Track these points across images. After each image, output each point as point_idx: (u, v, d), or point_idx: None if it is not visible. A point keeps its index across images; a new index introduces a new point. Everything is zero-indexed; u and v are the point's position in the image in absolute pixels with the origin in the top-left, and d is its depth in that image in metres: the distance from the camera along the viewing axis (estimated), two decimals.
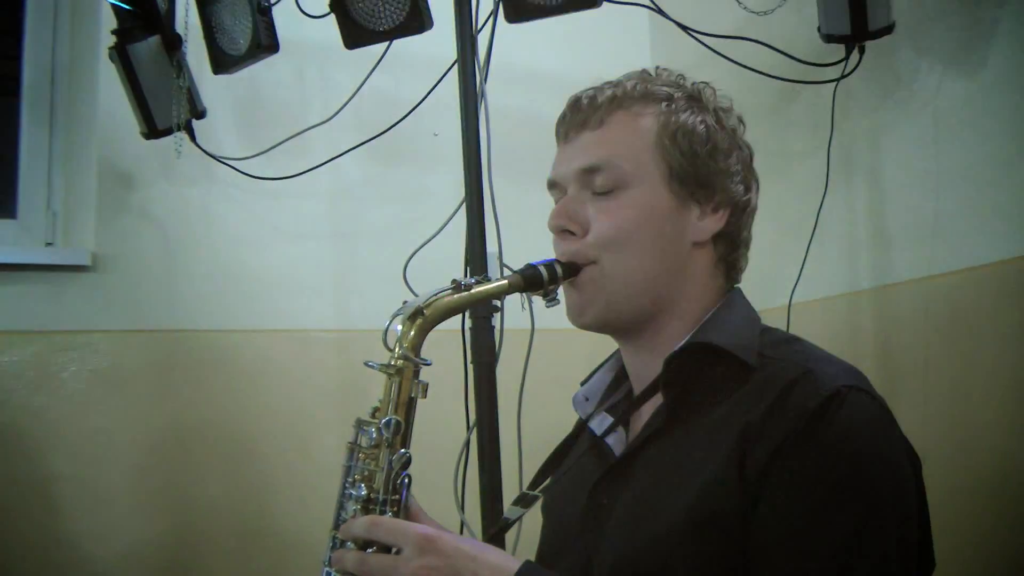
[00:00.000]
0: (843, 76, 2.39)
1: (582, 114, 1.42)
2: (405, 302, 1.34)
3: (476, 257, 2.31)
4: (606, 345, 1.51)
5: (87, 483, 2.57)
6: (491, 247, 2.35)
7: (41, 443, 2.54)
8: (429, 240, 2.51)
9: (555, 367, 2.66)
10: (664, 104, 1.40)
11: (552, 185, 1.47)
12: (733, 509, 1.19)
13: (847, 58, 2.36)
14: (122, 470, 2.63)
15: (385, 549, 1.22)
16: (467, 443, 2.36)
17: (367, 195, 2.88)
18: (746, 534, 1.18)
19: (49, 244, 2.76)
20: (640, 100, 1.40)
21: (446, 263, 2.41)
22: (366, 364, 1.33)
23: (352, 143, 2.71)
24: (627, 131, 1.39)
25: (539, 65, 2.98)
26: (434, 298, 1.34)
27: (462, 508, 2.38)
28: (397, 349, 1.34)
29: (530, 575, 1.20)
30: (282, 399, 2.76)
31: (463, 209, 2.32)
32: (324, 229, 2.86)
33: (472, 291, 1.36)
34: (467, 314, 2.27)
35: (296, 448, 2.75)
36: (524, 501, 1.48)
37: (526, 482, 2.38)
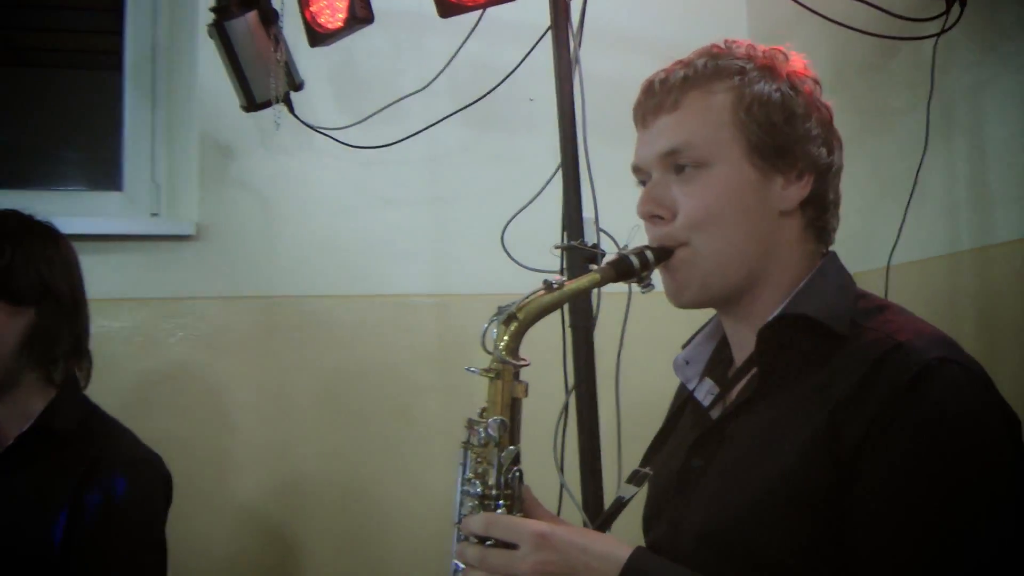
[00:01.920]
0: (943, 31, 2.33)
1: (656, 98, 1.42)
2: (499, 308, 1.36)
3: (572, 222, 2.33)
4: (704, 309, 1.51)
5: (193, 443, 2.67)
6: (587, 212, 2.36)
7: (149, 405, 2.64)
8: (525, 206, 2.52)
9: (652, 330, 2.67)
10: (736, 78, 1.39)
11: (636, 170, 1.48)
12: (822, 483, 1.20)
13: (947, 12, 2.31)
14: (226, 431, 2.73)
15: (503, 544, 1.25)
16: (566, 406, 2.39)
17: (463, 161, 2.90)
18: (836, 508, 1.20)
19: (154, 215, 2.85)
20: (712, 77, 1.40)
21: (543, 228, 2.44)
22: (467, 369, 1.37)
23: (447, 110, 2.73)
24: (702, 110, 1.38)
25: (633, 27, 2.97)
26: (527, 300, 1.36)
27: (561, 470, 2.41)
28: (495, 353, 1.35)
29: (640, 562, 1.22)
30: (381, 363, 2.81)
31: (559, 174, 2.33)
32: (421, 195, 2.89)
33: (564, 289, 1.38)
34: (564, 276, 2.29)
35: (395, 411, 2.81)
36: (637, 479, 1.50)
37: (624, 446, 2.44)
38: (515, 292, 2.74)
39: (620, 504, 1.51)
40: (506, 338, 1.35)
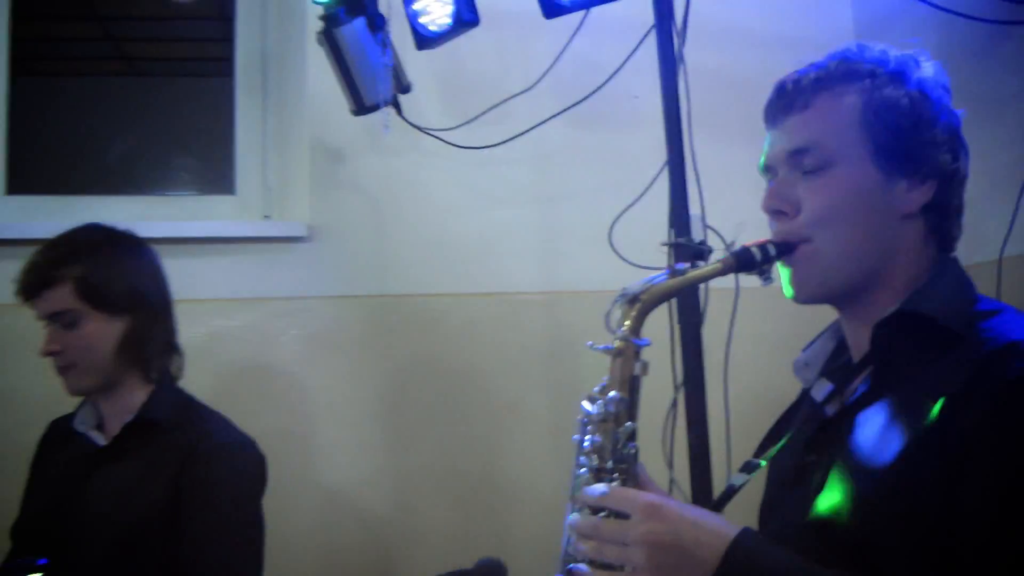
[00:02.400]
0: None
1: (787, 98, 1.45)
2: (624, 289, 1.39)
3: (679, 219, 2.34)
4: (811, 306, 1.52)
5: (306, 438, 2.74)
6: (693, 209, 2.36)
7: (263, 401, 2.72)
8: (632, 204, 2.54)
9: (759, 327, 2.67)
10: (867, 81, 1.41)
11: (765, 169, 1.50)
12: (932, 478, 1.20)
13: None
14: (338, 426, 2.80)
15: (615, 516, 1.27)
16: (674, 402, 2.40)
17: (569, 159, 2.91)
18: (945, 503, 1.19)
19: (266, 217, 2.93)
20: (843, 79, 1.42)
21: (650, 225, 2.45)
22: (588, 346, 1.40)
23: (552, 109, 2.75)
24: (831, 111, 1.41)
25: (736, 21, 2.95)
26: (650, 284, 1.39)
27: (671, 465, 2.42)
28: (618, 331, 1.38)
29: (747, 540, 1.23)
30: (490, 360, 2.84)
31: (665, 171, 2.34)
32: (528, 194, 2.91)
33: (686, 275, 1.42)
34: None
35: (506, 407, 2.84)
36: (749, 468, 1.52)
37: (733, 441, 2.44)
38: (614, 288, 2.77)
39: (731, 491, 1.53)
40: (630, 318, 1.38)
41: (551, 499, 2.76)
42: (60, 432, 2.19)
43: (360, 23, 2.55)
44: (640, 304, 1.38)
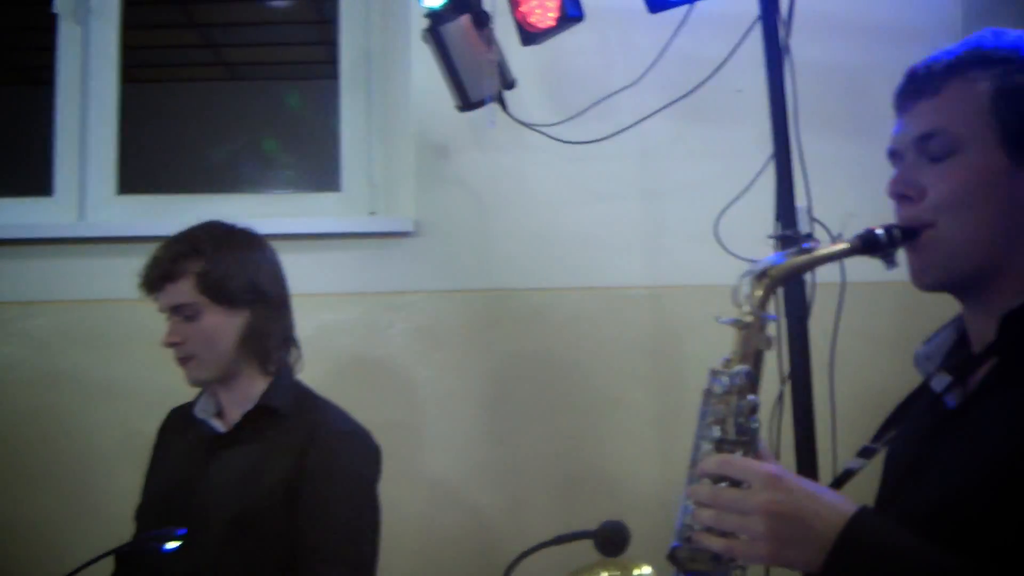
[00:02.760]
0: None
1: (918, 83, 1.43)
2: (754, 262, 1.41)
3: (785, 212, 2.34)
4: (918, 300, 1.50)
5: (411, 430, 2.79)
6: (799, 201, 2.36)
7: (370, 393, 2.77)
8: (737, 198, 2.53)
9: (866, 321, 2.66)
10: (1000, 68, 1.38)
11: (892, 155, 1.49)
12: None
13: None
14: (443, 419, 2.84)
15: (735, 485, 1.28)
16: (780, 396, 2.39)
17: (672, 153, 2.91)
18: None
19: (372, 213, 2.99)
20: (976, 65, 1.39)
21: (755, 218, 2.45)
22: (717, 320, 1.42)
23: (655, 103, 2.74)
24: (961, 96, 1.38)
25: (841, 13, 2.91)
26: (778, 260, 1.40)
27: (777, 459, 2.41)
28: (747, 305, 1.40)
29: (867, 517, 1.23)
30: (594, 354, 2.86)
31: (770, 164, 2.34)
32: (631, 188, 2.91)
33: (813, 253, 1.41)
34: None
35: (608, 402, 2.85)
36: (866, 453, 1.51)
37: (840, 435, 2.42)
38: (727, 283, 2.75)
39: (848, 474, 1.52)
40: (758, 292, 1.39)
41: (653, 492, 2.79)
42: (180, 419, 2.28)
43: (465, 20, 2.58)
44: (768, 279, 1.40)
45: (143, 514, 2.23)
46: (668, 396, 2.84)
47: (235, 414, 2.15)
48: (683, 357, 2.84)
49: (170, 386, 2.79)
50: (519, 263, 2.87)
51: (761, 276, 1.40)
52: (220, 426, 2.16)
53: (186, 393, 2.80)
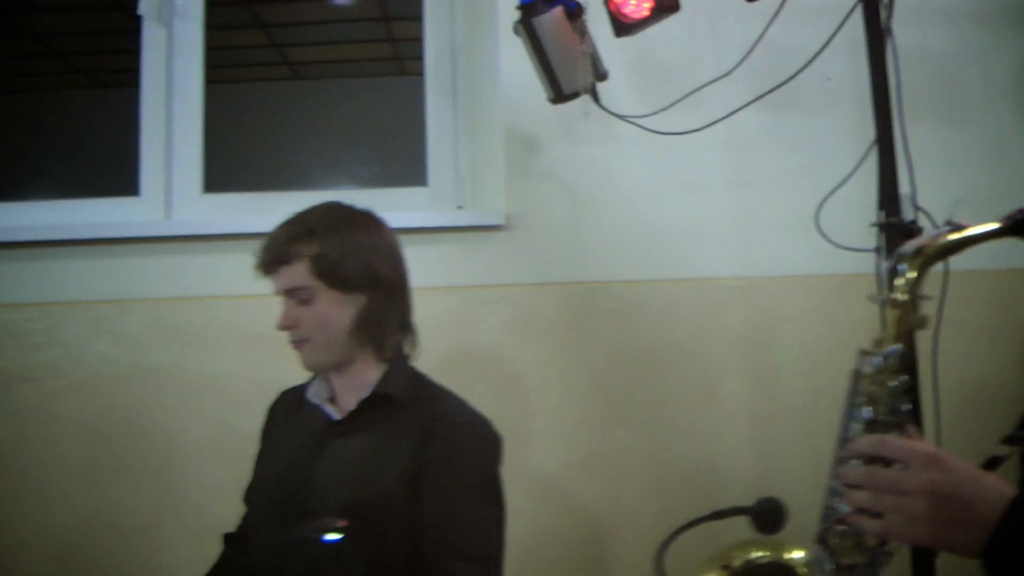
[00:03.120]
0: None
1: None
2: (906, 242, 1.40)
3: (889, 200, 2.31)
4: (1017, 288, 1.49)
5: (506, 423, 2.75)
6: (903, 188, 2.34)
7: (463, 387, 2.74)
8: (840, 185, 2.52)
9: (969, 312, 2.63)
10: None
11: None
12: None
13: None
14: (537, 412, 2.84)
15: (888, 466, 1.27)
16: None
17: (762, 144, 2.89)
18: None
19: (459, 208, 3.00)
20: None
21: (852, 207, 2.46)
22: (869, 298, 1.41)
23: (744, 93, 2.72)
24: None
25: None
26: (932, 239, 1.40)
27: None
28: (902, 284, 1.39)
29: None
30: (688, 346, 2.84)
31: (870, 151, 2.32)
32: (723, 180, 2.90)
33: (965, 232, 1.40)
34: (881, 255, 2.29)
35: (702, 393, 2.84)
36: (1013, 440, 1.49)
37: (943, 425, 2.40)
38: (821, 273, 2.76)
39: (996, 461, 1.50)
40: (913, 272, 1.39)
41: (750, 482, 2.77)
42: (292, 402, 2.24)
43: (558, 11, 2.57)
44: (923, 257, 1.39)
45: (255, 497, 2.21)
46: (763, 387, 2.83)
47: (349, 400, 2.10)
48: (777, 348, 2.83)
49: (261, 381, 2.83)
50: (610, 256, 2.86)
51: (916, 254, 1.40)
52: (334, 412, 2.11)
53: (276, 388, 2.84)
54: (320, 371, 2.15)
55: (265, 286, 2.82)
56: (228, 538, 2.18)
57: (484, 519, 2.02)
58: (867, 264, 2.44)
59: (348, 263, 2.04)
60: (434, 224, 2.90)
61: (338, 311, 2.05)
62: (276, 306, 2.80)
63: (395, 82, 5.94)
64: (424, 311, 2.81)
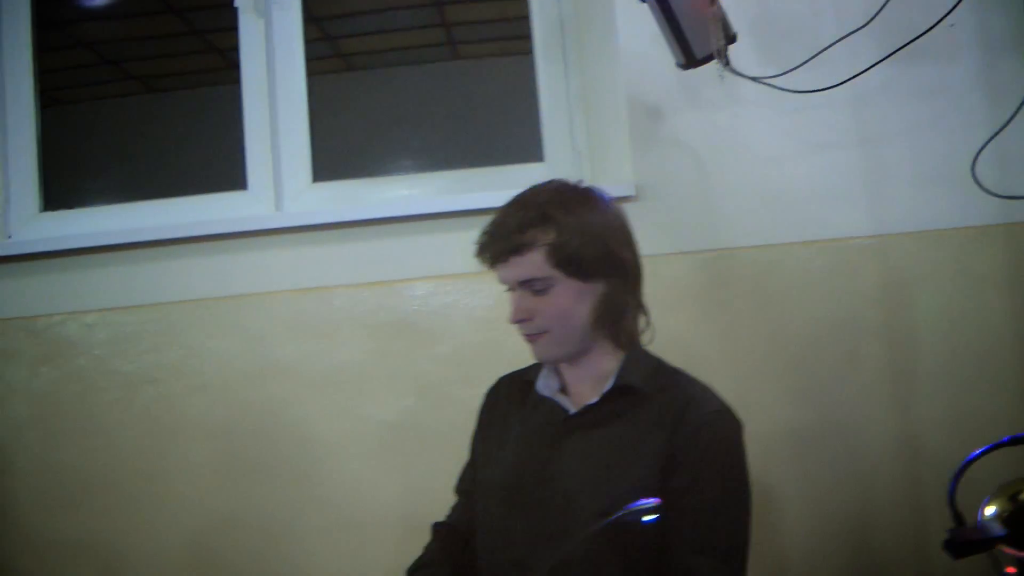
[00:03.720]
0: None
1: None
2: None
3: None
4: None
5: None
6: None
7: None
8: (997, 133, 2.46)
9: None
10: None
11: None
12: None
13: None
14: None
15: None
16: None
17: (886, 96, 2.81)
18: None
19: (579, 181, 2.91)
20: None
21: (1002, 155, 2.41)
22: None
23: (869, 47, 2.64)
24: None
25: None
26: None
27: None
28: None
29: None
30: (824, 309, 2.78)
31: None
32: (850, 136, 2.82)
33: None
34: None
35: (843, 355, 2.78)
36: None
37: None
38: (961, 225, 2.68)
39: None
40: None
41: (891, 446, 2.72)
42: (516, 391, 2.11)
43: None
44: None
45: (484, 490, 2.05)
46: (902, 347, 2.77)
47: (584, 392, 1.98)
48: (915, 306, 2.76)
49: (388, 369, 2.81)
50: (741, 221, 2.80)
51: None
52: (569, 405, 1.98)
53: (403, 376, 2.81)
54: (555, 363, 2.03)
55: (378, 272, 2.86)
56: (440, 529, 2.11)
57: (732, 512, 1.88)
58: (1005, 213, 2.38)
59: (588, 249, 1.89)
60: None
61: (577, 301, 1.91)
62: (391, 294, 2.85)
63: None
64: None
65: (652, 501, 1.69)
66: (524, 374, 2.11)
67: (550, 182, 2.02)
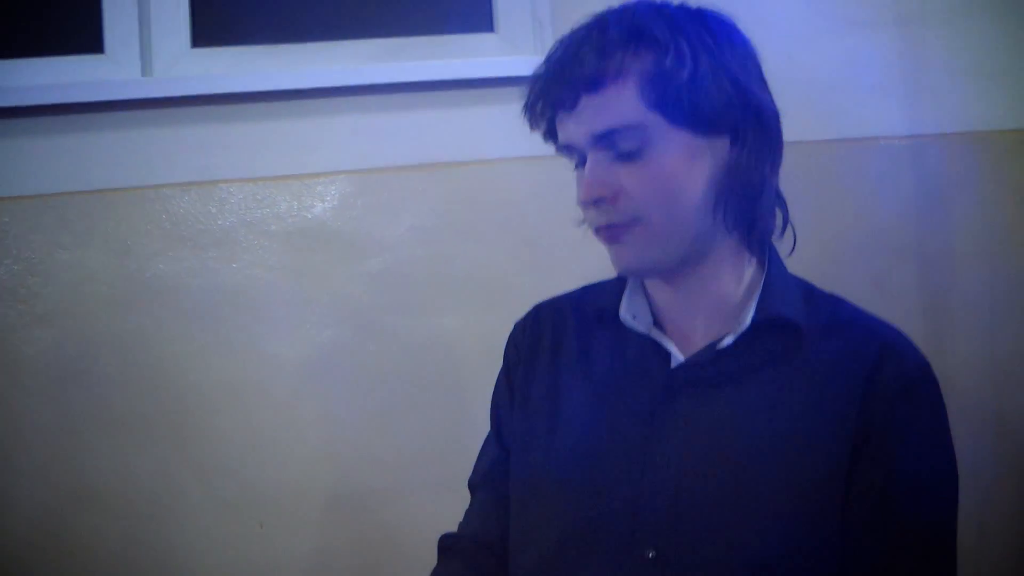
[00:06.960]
0: None
1: None
2: None
3: None
4: None
5: None
6: None
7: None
8: None
9: None
10: None
11: None
12: None
13: None
14: None
15: None
16: None
17: None
18: None
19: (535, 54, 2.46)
20: None
21: None
22: None
23: None
24: None
25: None
26: None
27: None
28: None
29: None
30: (855, 213, 2.45)
31: None
32: (886, 15, 2.45)
33: None
34: None
35: (870, 281, 2.45)
36: None
37: None
38: (1009, 128, 2.40)
39: None
40: None
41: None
42: (569, 326, 1.42)
43: None
44: None
45: (531, 483, 1.36)
46: (934, 268, 2.47)
47: (696, 328, 1.31)
48: (953, 222, 2.47)
49: (304, 294, 2.33)
50: None
51: None
52: (675, 350, 1.31)
53: (322, 304, 2.33)
54: (650, 275, 1.34)
55: (286, 163, 2.32)
56: (454, 546, 1.45)
57: (947, 517, 1.24)
58: None
59: (702, 88, 1.20)
60: (505, 73, 2.35)
61: (689, 166, 1.22)
62: (304, 192, 2.30)
63: None
64: (521, 185, 2.34)
65: None
66: (587, 298, 1.42)
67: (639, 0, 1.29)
